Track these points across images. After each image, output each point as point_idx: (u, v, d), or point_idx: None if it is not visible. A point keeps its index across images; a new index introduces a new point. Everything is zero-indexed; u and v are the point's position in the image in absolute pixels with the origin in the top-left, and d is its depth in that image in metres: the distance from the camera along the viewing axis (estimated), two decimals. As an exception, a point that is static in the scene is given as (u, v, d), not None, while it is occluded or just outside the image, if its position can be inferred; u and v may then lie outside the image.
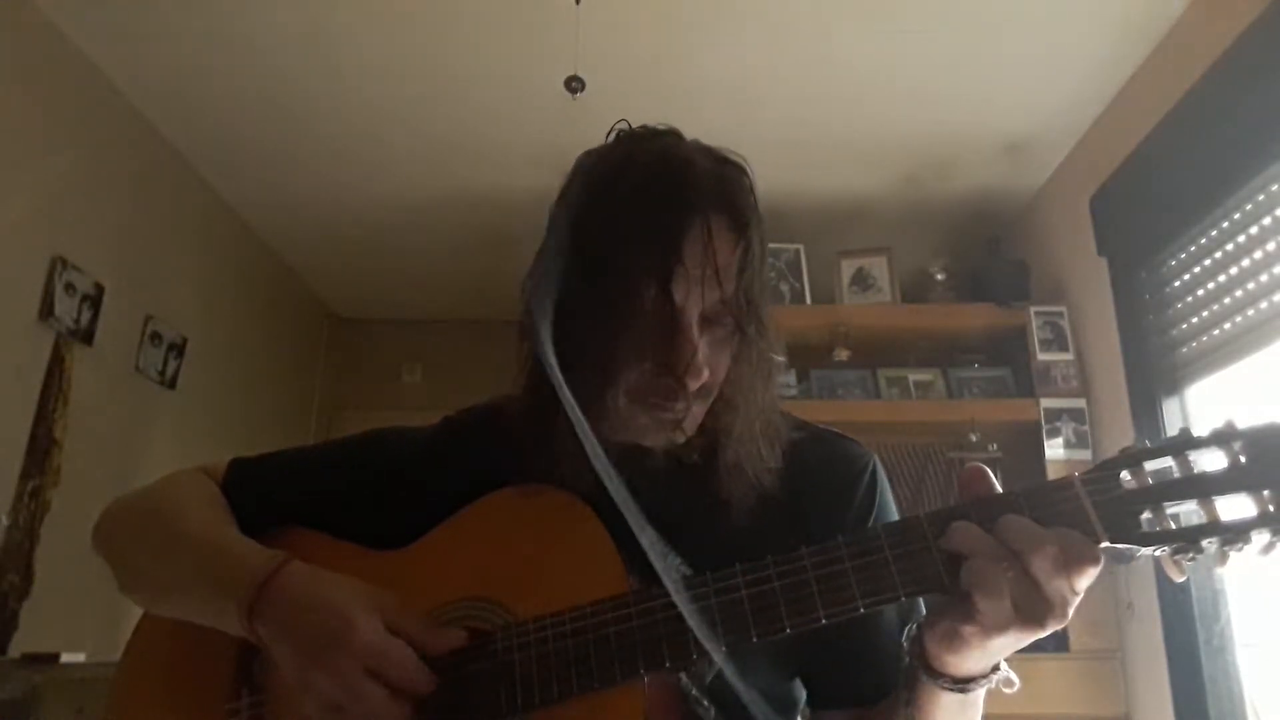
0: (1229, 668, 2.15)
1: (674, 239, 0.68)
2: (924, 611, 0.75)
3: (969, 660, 0.65)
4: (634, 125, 0.78)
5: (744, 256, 0.71)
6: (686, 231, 0.68)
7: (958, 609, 0.62)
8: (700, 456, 0.76)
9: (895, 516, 0.82)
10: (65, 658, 2.07)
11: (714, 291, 0.70)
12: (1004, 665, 0.67)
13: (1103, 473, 0.63)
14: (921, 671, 0.67)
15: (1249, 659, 2.13)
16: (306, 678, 0.66)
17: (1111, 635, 2.54)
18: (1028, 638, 0.61)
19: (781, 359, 0.77)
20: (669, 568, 0.75)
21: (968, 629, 0.62)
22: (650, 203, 0.69)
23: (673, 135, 0.77)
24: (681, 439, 0.74)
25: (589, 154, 0.78)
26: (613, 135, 0.78)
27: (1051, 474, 2.66)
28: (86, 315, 2.59)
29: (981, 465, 0.66)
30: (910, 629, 0.71)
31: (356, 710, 0.65)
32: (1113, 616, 2.54)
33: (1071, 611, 0.61)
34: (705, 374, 0.71)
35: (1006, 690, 0.67)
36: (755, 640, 0.64)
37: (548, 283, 0.73)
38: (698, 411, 0.74)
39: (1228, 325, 2.14)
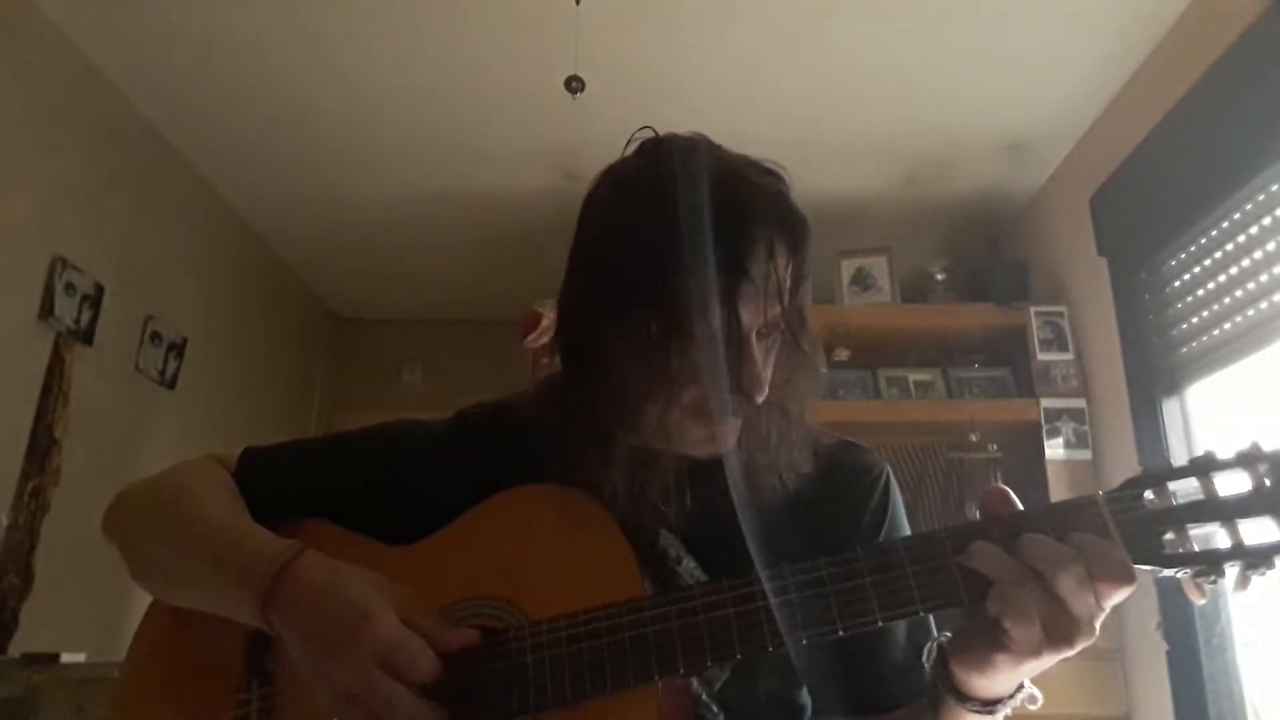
0: (1229, 668, 2.15)
1: (740, 259, 0.67)
2: (934, 627, 0.75)
3: (997, 684, 0.65)
4: (658, 133, 0.77)
5: (799, 269, 0.72)
6: (751, 250, 0.68)
7: (987, 636, 0.62)
8: (735, 463, 0.76)
9: (906, 527, 0.82)
10: (65, 658, 2.07)
11: (774, 308, 0.70)
12: (1028, 683, 0.67)
13: (1126, 491, 0.63)
14: (949, 695, 0.67)
15: (1249, 659, 2.13)
16: (321, 668, 0.67)
17: (1111, 635, 2.54)
18: (1056, 658, 0.61)
19: (824, 369, 0.77)
20: (685, 573, 0.74)
21: (999, 656, 0.61)
22: (715, 222, 0.68)
23: (713, 147, 0.76)
24: (725, 450, 0.75)
25: (629, 165, 0.76)
26: (634, 144, 0.77)
27: (1051, 474, 2.67)
28: (86, 315, 2.59)
29: (1004, 488, 0.66)
30: (930, 649, 0.71)
31: (370, 702, 0.65)
32: (1113, 616, 2.54)
33: (1099, 626, 0.60)
34: (768, 389, 0.71)
35: (1030, 707, 0.67)
36: (771, 650, 0.64)
37: (600, 298, 0.72)
38: (739, 423, 0.74)
39: (1228, 325, 2.14)
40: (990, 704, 0.66)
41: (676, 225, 0.68)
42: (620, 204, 0.74)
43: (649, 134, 0.78)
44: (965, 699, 0.66)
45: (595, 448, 0.72)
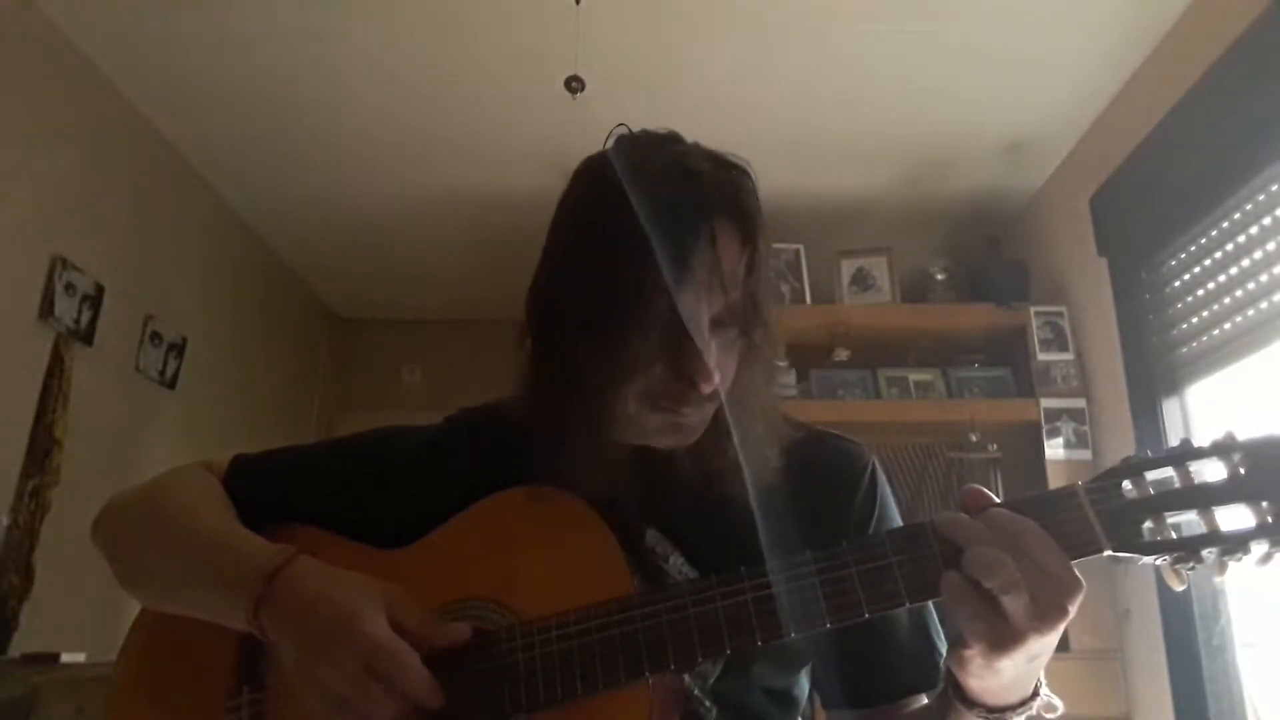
0: (1229, 668, 2.15)
1: (683, 247, 0.68)
2: (935, 614, 0.75)
3: (1003, 676, 0.63)
4: (634, 129, 0.78)
5: (750, 261, 0.72)
6: (695, 239, 0.68)
7: (976, 618, 0.60)
8: (704, 457, 0.77)
9: (896, 516, 0.82)
10: (65, 658, 2.07)
11: (721, 297, 0.70)
12: (1044, 690, 0.66)
13: (1105, 482, 0.64)
14: (959, 703, 0.67)
15: (1249, 659, 2.13)
16: (311, 672, 0.67)
17: (1111, 635, 2.54)
18: (1053, 628, 0.60)
19: (783, 363, 0.77)
20: (674, 569, 0.75)
21: (990, 632, 0.60)
22: (660, 212, 0.69)
23: (677, 141, 0.76)
24: (689, 441, 0.75)
25: (592, 160, 0.77)
26: (611, 140, 0.78)
27: (1051, 474, 2.67)
28: (86, 315, 2.59)
29: (981, 488, 0.66)
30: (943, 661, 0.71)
31: (360, 706, 0.65)
32: (1113, 617, 2.54)
33: (1081, 579, 0.60)
34: (716, 378, 0.71)
35: (1049, 716, 0.66)
36: (759, 644, 0.65)
37: (556, 289, 0.74)
38: (706, 414, 0.75)
39: (1228, 325, 2.14)
40: (998, 711, 0.66)
41: (623, 217, 0.69)
42: (575, 201, 0.76)
43: (624, 130, 0.78)
44: (972, 705, 0.66)
45: (565, 444, 0.73)
